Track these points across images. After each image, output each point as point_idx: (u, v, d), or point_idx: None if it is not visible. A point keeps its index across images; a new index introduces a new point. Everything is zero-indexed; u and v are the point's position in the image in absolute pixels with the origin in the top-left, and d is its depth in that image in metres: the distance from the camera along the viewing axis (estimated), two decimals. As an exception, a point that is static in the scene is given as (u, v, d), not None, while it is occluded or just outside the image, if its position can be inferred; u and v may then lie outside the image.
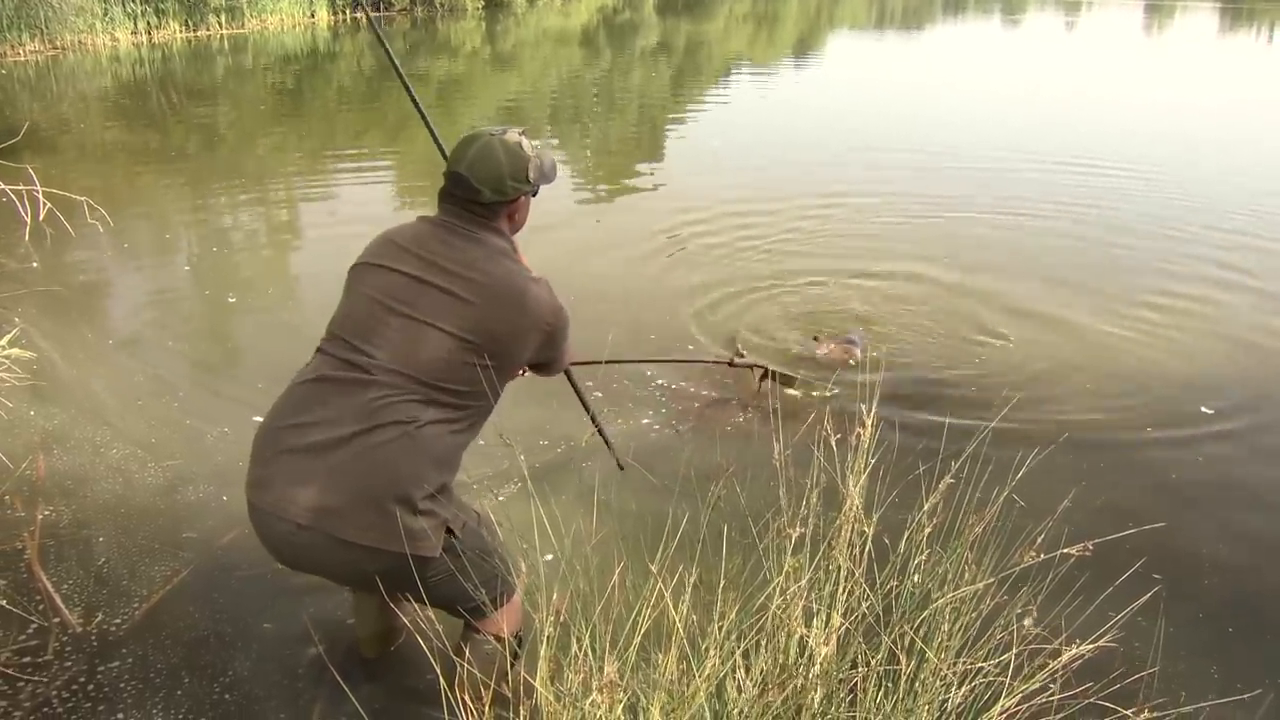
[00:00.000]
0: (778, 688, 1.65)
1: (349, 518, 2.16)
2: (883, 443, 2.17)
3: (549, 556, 3.07)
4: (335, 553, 2.20)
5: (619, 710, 1.60)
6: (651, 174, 10.56)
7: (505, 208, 2.49)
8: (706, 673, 1.62)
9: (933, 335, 5.62)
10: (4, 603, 3.01)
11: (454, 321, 2.31)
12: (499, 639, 2.45)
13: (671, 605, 1.68)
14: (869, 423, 2.05)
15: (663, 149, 12.38)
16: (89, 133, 12.05)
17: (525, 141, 2.49)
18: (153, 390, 4.77)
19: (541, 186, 2.55)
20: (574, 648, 1.70)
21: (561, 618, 1.75)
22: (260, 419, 2.39)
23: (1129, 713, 1.74)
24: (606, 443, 3.62)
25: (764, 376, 4.70)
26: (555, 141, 12.84)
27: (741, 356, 4.83)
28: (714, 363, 4.82)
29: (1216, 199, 9.20)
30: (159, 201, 8.83)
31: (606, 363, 4.43)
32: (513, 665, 2.45)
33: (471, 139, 2.45)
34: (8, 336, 4.05)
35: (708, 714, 1.69)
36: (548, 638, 1.75)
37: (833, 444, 2.08)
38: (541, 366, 2.66)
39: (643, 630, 1.70)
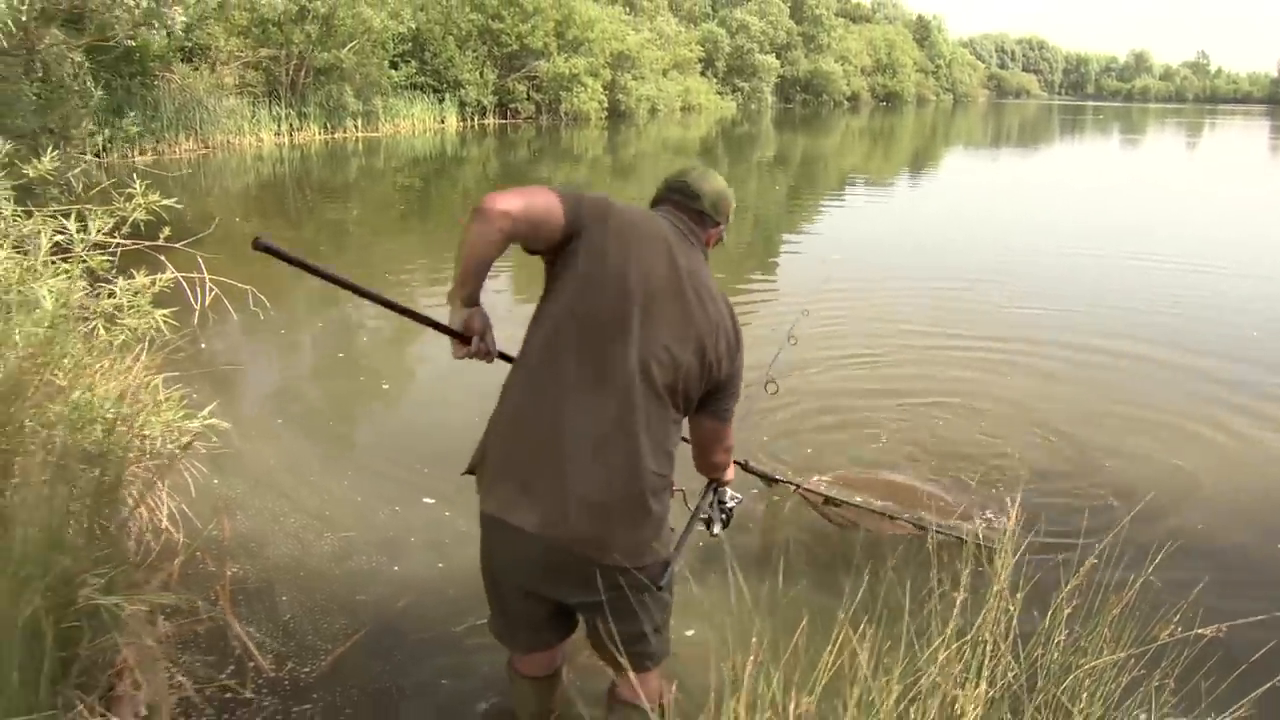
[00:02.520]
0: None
1: None
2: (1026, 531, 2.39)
3: (690, 631, 3.31)
4: None
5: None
6: (765, 284, 10.85)
7: (709, 229, 2.61)
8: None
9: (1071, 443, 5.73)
10: (204, 645, 3.34)
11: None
12: (657, 706, 2.55)
13: (853, 652, 1.91)
14: (1014, 513, 2.28)
15: (777, 260, 12.71)
16: (230, 225, 12.88)
17: (723, 186, 2.65)
18: (322, 468, 5.17)
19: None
20: (764, 690, 1.93)
21: (750, 669, 1.98)
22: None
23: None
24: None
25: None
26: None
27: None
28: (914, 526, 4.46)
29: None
30: (302, 292, 9.44)
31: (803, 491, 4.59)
32: None
33: (690, 165, 2.68)
34: (208, 408, 4.47)
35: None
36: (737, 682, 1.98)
37: (980, 533, 2.30)
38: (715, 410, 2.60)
39: (823, 682, 1.93)
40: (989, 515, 4.54)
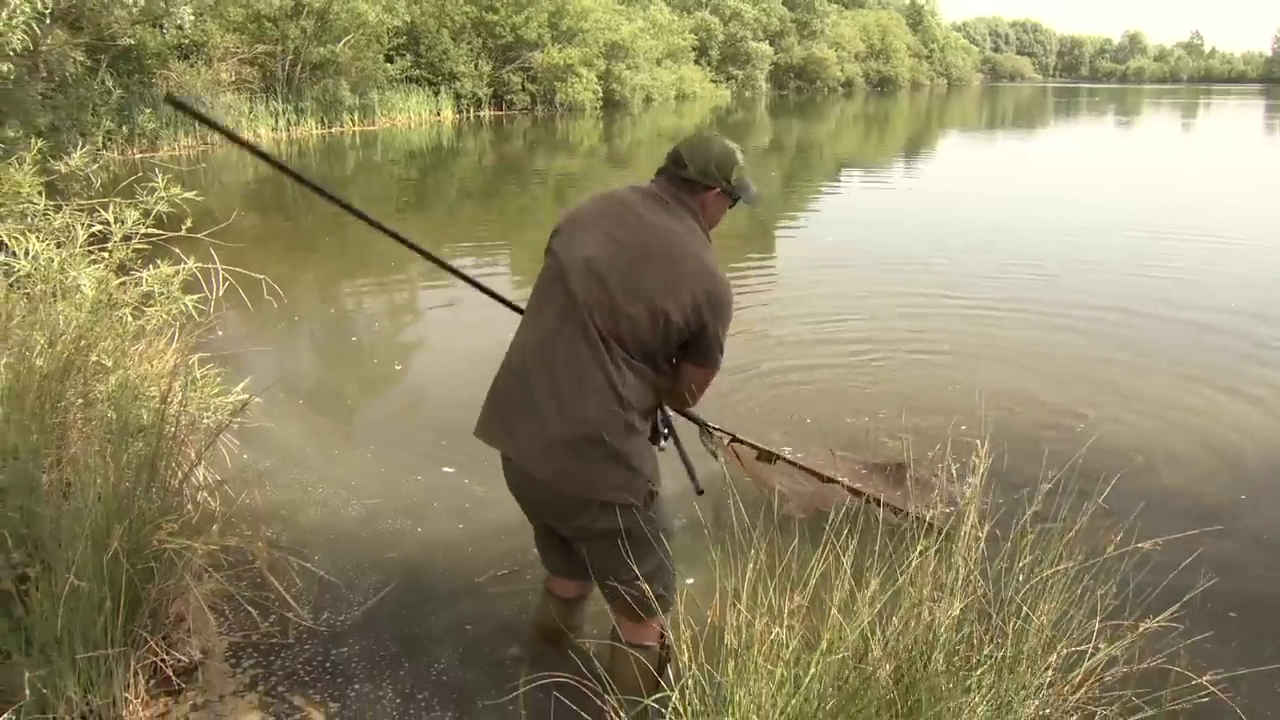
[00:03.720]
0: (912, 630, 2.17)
1: None
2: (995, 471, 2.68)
3: (690, 580, 3.60)
4: None
5: (796, 640, 2.12)
6: (762, 269, 11.13)
7: (702, 193, 2.82)
8: (864, 621, 2.14)
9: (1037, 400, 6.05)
10: (246, 598, 3.62)
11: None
12: (657, 644, 2.87)
13: (838, 564, 2.21)
14: (984, 451, 2.57)
15: (774, 245, 12.99)
16: (235, 218, 13.11)
17: (740, 154, 2.86)
18: (345, 443, 5.53)
19: (741, 203, 2.91)
20: (760, 599, 2.22)
21: (750, 576, 2.27)
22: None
23: (1198, 675, 2.22)
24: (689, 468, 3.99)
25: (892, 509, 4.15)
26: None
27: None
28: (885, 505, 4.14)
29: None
30: (311, 281, 9.75)
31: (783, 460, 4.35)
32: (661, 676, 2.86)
33: (694, 135, 2.96)
34: (242, 384, 4.77)
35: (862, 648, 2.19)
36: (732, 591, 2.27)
37: (953, 471, 2.60)
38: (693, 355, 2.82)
39: (809, 592, 2.22)
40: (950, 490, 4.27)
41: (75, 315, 4.21)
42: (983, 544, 2.45)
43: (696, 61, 57.59)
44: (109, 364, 4.13)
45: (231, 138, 3.06)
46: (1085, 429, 5.59)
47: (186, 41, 23.88)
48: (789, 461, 4.36)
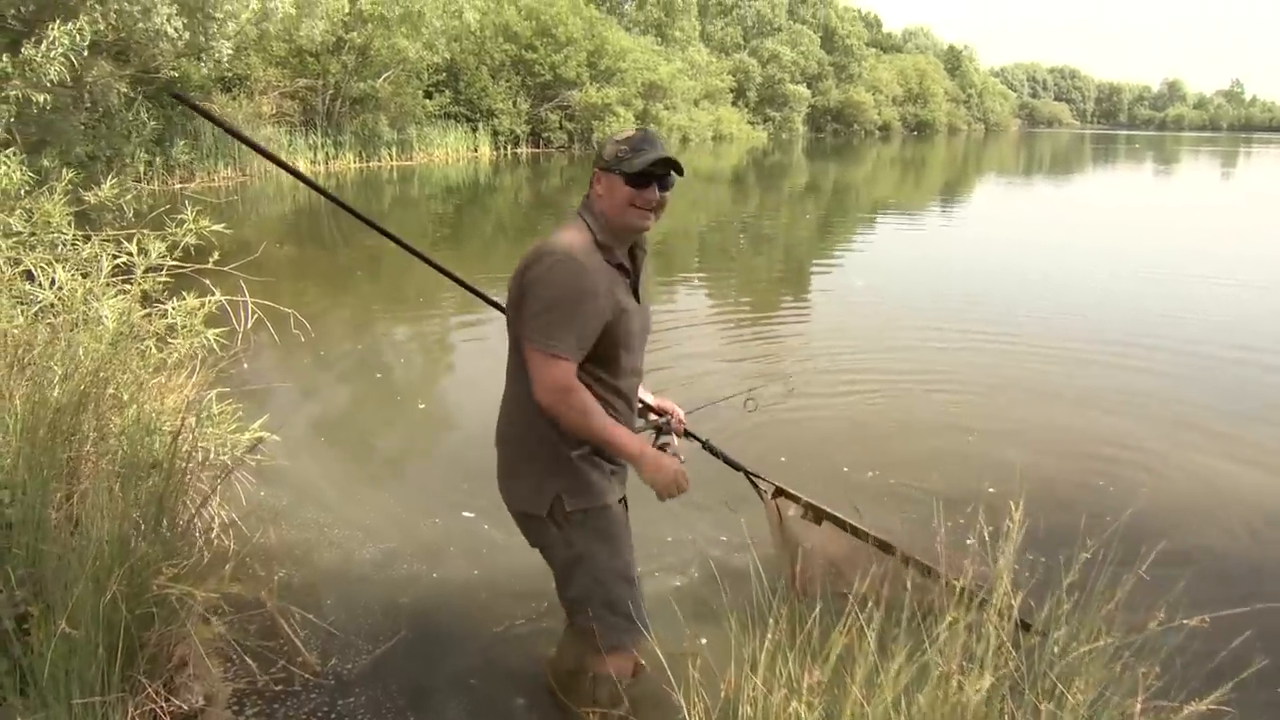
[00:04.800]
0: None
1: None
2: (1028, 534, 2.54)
3: (704, 640, 3.47)
4: None
5: (816, 717, 2.00)
6: (795, 310, 11.03)
7: (592, 183, 2.77)
8: (888, 698, 2.01)
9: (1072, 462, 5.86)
10: (254, 643, 3.53)
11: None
12: (617, 679, 2.81)
13: (861, 638, 2.08)
14: (1018, 516, 2.44)
15: (808, 287, 12.89)
16: (269, 250, 13.18)
17: (629, 132, 2.74)
18: (364, 483, 5.43)
19: (624, 170, 2.65)
20: (779, 668, 2.10)
21: (767, 646, 2.15)
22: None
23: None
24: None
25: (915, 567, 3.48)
26: (702, 275, 13.55)
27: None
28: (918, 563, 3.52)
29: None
30: (339, 316, 9.74)
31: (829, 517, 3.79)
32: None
33: None
34: (259, 421, 4.70)
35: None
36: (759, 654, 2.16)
37: (985, 535, 2.47)
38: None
39: (830, 667, 2.10)
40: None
41: (95, 347, 4.17)
42: (1016, 614, 2.32)
43: (734, 103, 57.90)
44: (125, 397, 4.07)
45: (237, 136, 3.18)
46: (1127, 485, 5.43)
47: (230, 74, 24.19)
48: (842, 522, 3.79)
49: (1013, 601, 2.32)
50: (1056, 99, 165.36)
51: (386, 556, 4.44)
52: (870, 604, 2.16)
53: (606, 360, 2.72)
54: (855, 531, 3.79)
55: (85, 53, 14.18)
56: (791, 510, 3.85)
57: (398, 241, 3.31)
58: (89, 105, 15.54)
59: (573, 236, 2.67)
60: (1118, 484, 5.59)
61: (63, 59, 7.00)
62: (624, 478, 2.93)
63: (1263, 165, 55.96)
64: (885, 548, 3.71)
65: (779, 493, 3.82)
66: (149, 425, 3.92)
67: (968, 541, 3.75)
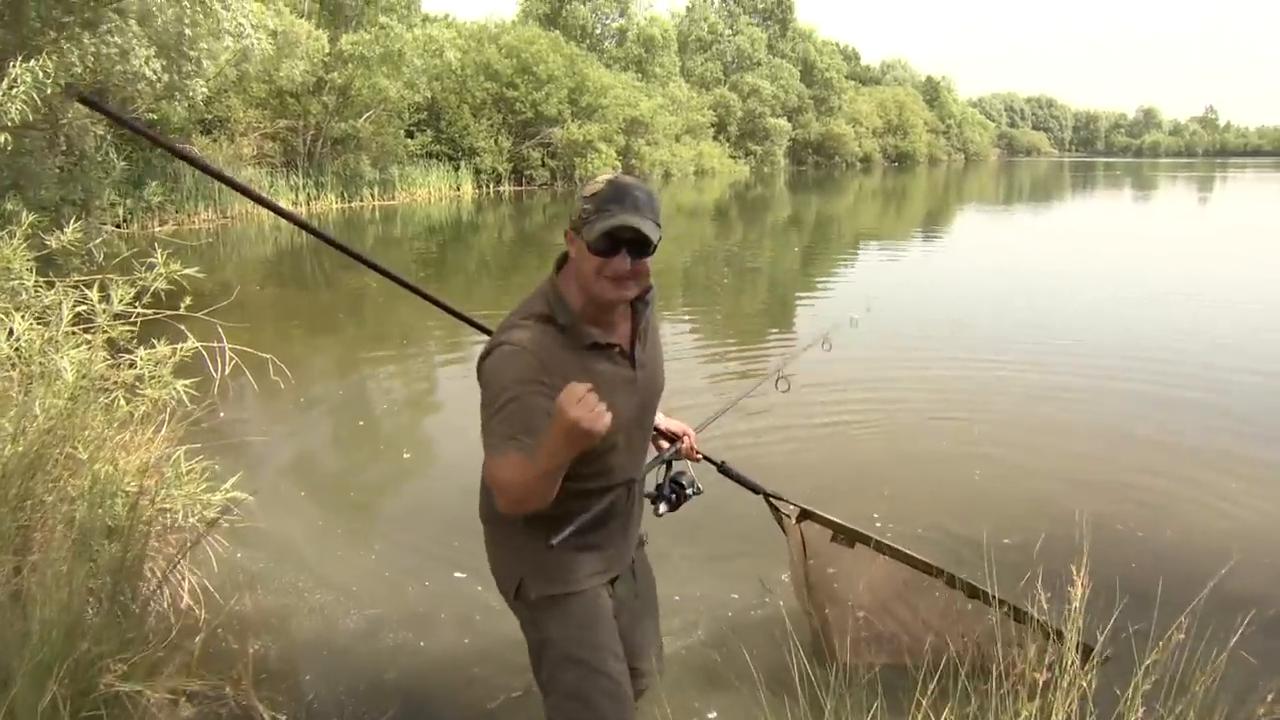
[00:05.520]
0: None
1: None
2: (1095, 600, 2.25)
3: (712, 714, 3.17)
4: None
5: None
6: (780, 343, 10.75)
7: (569, 242, 2.36)
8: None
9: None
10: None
11: None
12: None
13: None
14: (1080, 579, 2.15)
15: (793, 320, 12.64)
16: (249, 293, 12.89)
17: (599, 179, 2.30)
18: (347, 541, 5.06)
19: (584, 236, 2.25)
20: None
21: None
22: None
23: None
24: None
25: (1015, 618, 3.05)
26: (686, 312, 13.30)
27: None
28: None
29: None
30: (329, 360, 9.43)
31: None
32: None
33: None
34: (231, 480, 4.38)
35: None
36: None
37: (1044, 602, 2.18)
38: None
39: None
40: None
41: (53, 402, 3.86)
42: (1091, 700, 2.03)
43: (715, 137, 58.00)
44: (84, 456, 3.75)
45: (163, 146, 2.85)
46: (1189, 524, 5.10)
47: (210, 117, 23.97)
48: (884, 547, 3.29)
49: (1086, 684, 2.03)
50: (1034, 128, 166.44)
51: (371, 624, 4.10)
52: (933, 688, 1.86)
53: (580, 456, 2.17)
54: (896, 554, 3.33)
55: (50, 92, 13.97)
56: (817, 534, 3.38)
57: (379, 268, 2.99)
58: (64, 149, 15.25)
59: (527, 325, 2.31)
60: (1174, 524, 5.28)
61: (25, 97, 6.74)
62: (620, 554, 2.60)
63: (1239, 188, 56.12)
64: (934, 572, 3.29)
65: (804, 515, 3.35)
66: (109, 488, 3.62)
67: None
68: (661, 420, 2.85)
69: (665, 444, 2.89)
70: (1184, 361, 9.18)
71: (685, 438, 2.90)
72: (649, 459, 2.70)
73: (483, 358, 2.31)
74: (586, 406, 2.00)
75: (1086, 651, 2.67)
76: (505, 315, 2.39)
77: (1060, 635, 2.23)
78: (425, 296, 3.08)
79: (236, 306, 5.55)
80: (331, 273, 16.68)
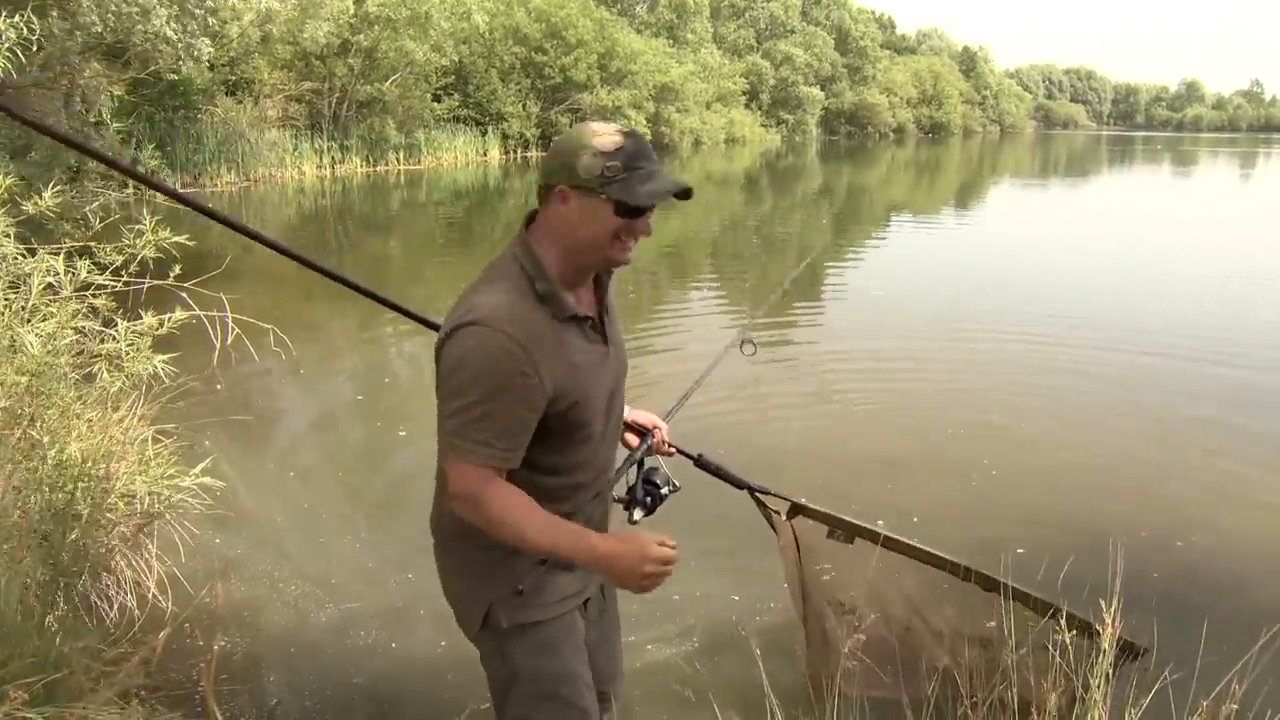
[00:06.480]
0: None
1: None
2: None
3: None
4: None
5: None
6: (809, 317, 10.47)
7: (544, 205, 2.05)
8: None
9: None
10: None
11: None
12: None
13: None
14: (1109, 617, 1.89)
15: (821, 292, 12.34)
16: (266, 260, 12.69)
17: (603, 131, 1.98)
18: (332, 528, 4.81)
19: (617, 197, 1.93)
20: None
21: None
22: None
23: None
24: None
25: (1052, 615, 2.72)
26: (715, 281, 13.05)
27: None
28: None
29: None
30: (331, 330, 9.22)
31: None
32: None
33: None
34: (200, 465, 4.16)
35: None
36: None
37: (1068, 644, 1.92)
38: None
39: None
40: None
41: (16, 380, 3.65)
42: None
43: (747, 105, 57.43)
44: (46, 438, 3.55)
45: (78, 148, 2.58)
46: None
47: (233, 79, 23.77)
48: (886, 540, 2.95)
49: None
50: (1072, 100, 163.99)
51: (346, 621, 3.87)
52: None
53: (556, 446, 2.06)
54: (901, 548, 2.98)
55: (80, 51, 13.77)
56: (810, 530, 3.04)
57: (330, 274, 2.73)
58: (81, 109, 15.10)
59: (500, 294, 2.02)
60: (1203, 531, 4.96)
61: (7, 53, 6.51)
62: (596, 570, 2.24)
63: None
64: (947, 565, 2.94)
65: (796, 510, 3.01)
66: (70, 471, 3.42)
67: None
68: (627, 411, 2.48)
69: (633, 437, 2.58)
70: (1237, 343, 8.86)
71: (656, 430, 2.59)
72: (620, 459, 2.44)
73: (448, 334, 2.01)
74: (660, 573, 1.96)
75: (1124, 649, 2.58)
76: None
77: (1096, 632, 1.96)
78: (373, 296, 2.95)
79: (250, 273, 5.30)
80: (355, 237, 16.52)
